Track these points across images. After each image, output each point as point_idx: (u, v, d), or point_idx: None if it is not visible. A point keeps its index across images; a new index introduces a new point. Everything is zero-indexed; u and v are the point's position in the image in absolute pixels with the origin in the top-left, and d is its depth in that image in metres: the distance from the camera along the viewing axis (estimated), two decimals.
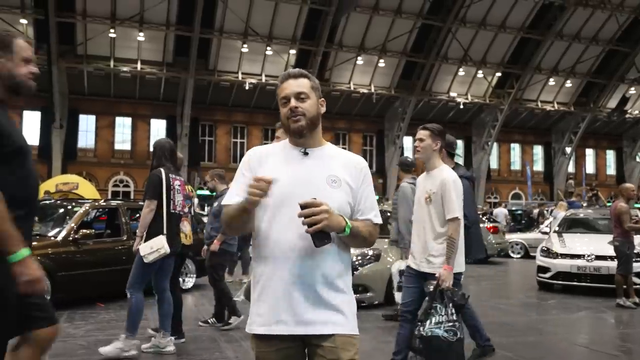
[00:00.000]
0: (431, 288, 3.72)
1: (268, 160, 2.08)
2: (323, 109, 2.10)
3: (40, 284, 2.37)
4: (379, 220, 2.12)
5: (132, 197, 27.02)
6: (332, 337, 1.95)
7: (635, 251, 8.27)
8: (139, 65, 27.96)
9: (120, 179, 29.77)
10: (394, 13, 28.20)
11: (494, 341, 5.80)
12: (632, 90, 34.96)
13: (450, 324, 3.56)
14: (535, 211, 21.45)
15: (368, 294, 7.64)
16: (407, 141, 34.35)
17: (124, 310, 7.01)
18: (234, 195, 2.05)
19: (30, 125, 27.50)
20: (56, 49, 25.67)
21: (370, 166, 34.22)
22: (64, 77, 27.32)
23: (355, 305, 2.07)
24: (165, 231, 4.89)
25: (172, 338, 5.16)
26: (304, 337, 1.96)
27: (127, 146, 31.07)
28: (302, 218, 1.86)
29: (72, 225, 7.25)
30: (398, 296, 6.32)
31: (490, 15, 29.18)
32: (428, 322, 3.59)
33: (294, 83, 2.07)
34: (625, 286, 8.07)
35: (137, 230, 5.16)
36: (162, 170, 5.02)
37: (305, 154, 2.06)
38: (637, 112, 36.47)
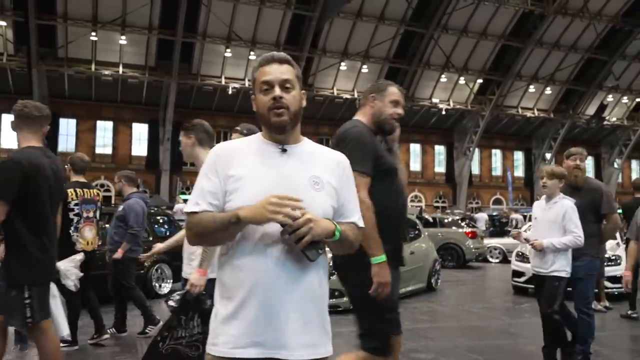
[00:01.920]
0: (172, 303, 3.27)
1: (240, 158, 1.80)
2: (304, 103, 1.87)
3: (388, 288, 2.70)
4: (362, 224, 1.92)
5: (112, 201, 26.81)
6: None
7: (606, 255, 8.42)
8: (120, 69, 27.79)
9: (101, 184, 29.50)
10: (377, 19, 28.40)
11: (466, 344, 5.88)
12: (610, 98, 35.55)
13: (194, 338, 3.12)
14: (514, 216, 21.68)
15: (344, 299, 7.68)
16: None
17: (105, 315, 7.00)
18: (197, 202, 1.77)
19: (8, 129, 27.16)
20: (36, 52, 25.43)
21: None
22: (44, 80, 27.05)
23: (329, 319, 1.86)
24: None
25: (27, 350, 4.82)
26: None
27: (108, 150, 30.84)
28: (286, 236, 1.66)
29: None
30: None
31: (472, 22, 29.52)
32: (168, 338, 3.12)
33: (279, 69, 1.82)
34: (597, 290, 8.20)
35: None
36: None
37: (284, 151, 1.81)
38: (614, 119, 37.07)
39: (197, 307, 3.11)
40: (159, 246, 5.21)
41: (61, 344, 5.18)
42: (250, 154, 1.81)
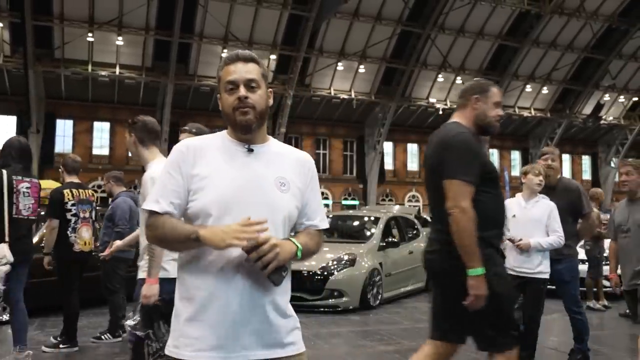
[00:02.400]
0: (129, 323, 3.09)
1: (205, 156, 1.77)
2: (271, 101, 1.85)
3: (482, 302, 2.64)
4: (325, 224, 1.91)
5: (109, 202, 26.73)
6: None
7: (605, 255, 8.44)
8: (117, 70, 27.73)
9: (98, 185, 29.41)
10: (374, 19, 28.39)
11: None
12: (607, 97, 35.63)
13: (156, 355, 2.92)
14: None
15: (343, 299, 7.69)
16: (388, 147, 34.58)
17: (97, 317, 7.00)
18: (158, 199, 1.74)
19: (6, 130, 27.07)
20: (33, 53, 25.34)
21: (351, 171, 34.43)
22: (41, 81, 26.97)
23: (298, 321, 1.84)
24: (7, 238, 4.40)
25: (30, 352, 4.75)
26: None
27: (105, 151, 30.78)
28: (251, 262, 1.63)
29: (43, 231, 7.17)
30: None
31: (469, 22, 29.55)
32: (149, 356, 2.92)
33: (244, 68, 1.79)
34: (595, 289, 8.23)
35: None
36: (4, 171, 4.55)
37: (250, 150, 1.79)
38: (611, 118, 37.16)
39: (159, 314, 2.96)
40: (117, 243, 5.20)
41: (61, 345, 5.18)
42: (215, 153, 1.78)
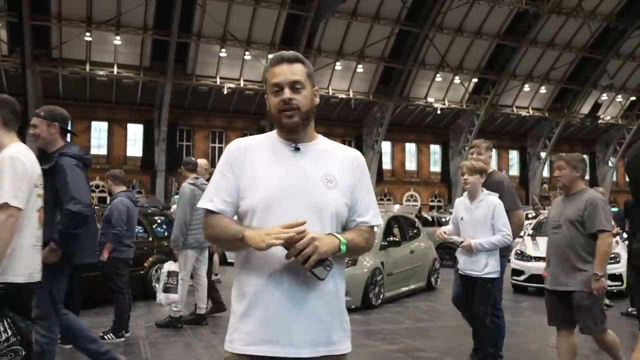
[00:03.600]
0: None
1: (254, 156, 1.81)
2: (317, 100, 1.87)
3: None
4: (377, 221, 1.89)
5: (107, 202, 26.70)
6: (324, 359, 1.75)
7: None
8: (115, 69, 27.69)
9: (96, 185, 29.38)
10: (372, 19, 28.41)
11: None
12: (604, 97, 35.71)
13: (7, 344, 2.77)
14: None
15: (345, 298, 7.68)
16: (386, 146, 34.59)
17: (99, 317, 6.98)
18: (212, 198, 1.80)
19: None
20: (30, 52, 25.30)
21: None
22: (39, 81, 26.91)
23: (348, 321, 1.85)
24: None
25: None
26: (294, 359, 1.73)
27: (103, 151, 30.73)
28: (292, 258, 1.65)
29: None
30: (163, 297, 6.20)
31: (467, 22, 29.59)
32: None
33: (288, 69, 1.81)
34: None
35: None
36: None
37: (297, 149, 1.81)
38: (609, 117, 37.24)
39: (6, 303, 2.79)
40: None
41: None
42: (264, 152, 1.82)
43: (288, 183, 1.74)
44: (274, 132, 1.88)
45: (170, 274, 6.30)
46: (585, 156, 27.87)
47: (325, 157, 1.84)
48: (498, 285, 4.57)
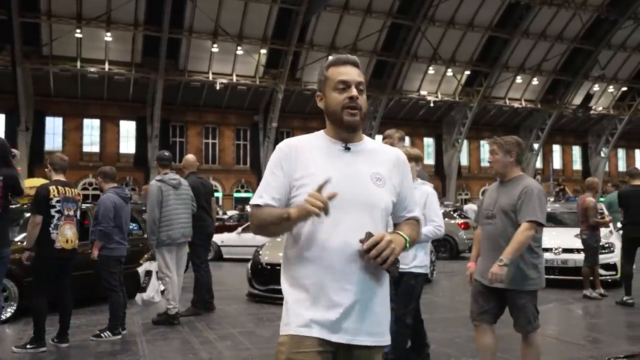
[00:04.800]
0: None
1: (305, 154, 1.90)
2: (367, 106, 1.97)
3: None
4: (421, 215, 2.10)
5: None
6: (370, 350, 1.86)
7: (601, 244, 8.49)
8: (106, 66, 27.52)
9: (89, 182, 29.26)
10: (364, 12, 28.35)
11: (466, 334, 5.88)
12: (596, 87, 35.84)
13: None
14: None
15: None
16: (379, 140, 34.55)
17: (95, 315, 6.95)
18: (261, 195, 1.89)
19: None
20: (20, 50, 25.12)
21: None
22: (29, 79, 26.72)
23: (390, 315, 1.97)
24: None
25: None
26: (342, 346, 1.82)
27: (95, 148, 30.59)
28: (371, 261, 1.76)
29: None
30: (138, 297, 6.14)
31: (459, 14, 29.57)
32: None
33: (355, 71, 1.90)
34: (591, 278, 8.27)
35: None
36: None
37: (347, 149, 1.90)
38: (600, 108, 37.39)
39: None
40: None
41: (28, 346, 5.14)
42: (315, 151, 1.90)
43: (340, 181, 1.81)
44: (322, 132, 1.96)
45: (146, 273, 6.29)
46: (576, 147, 27.77)
47: (373, 157, 1.94)
48: (422, 283, 4.23)
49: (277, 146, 1.95)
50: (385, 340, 1.91)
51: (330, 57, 1.98)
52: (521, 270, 3.58)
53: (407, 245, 1.87)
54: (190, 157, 7.39)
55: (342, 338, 1.80)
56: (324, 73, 1.93)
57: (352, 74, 1.89)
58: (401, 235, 1.86)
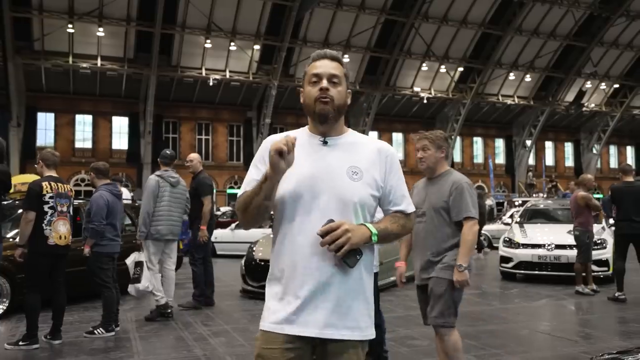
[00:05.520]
0: None
1: None
2: (349, 101, 1.98)
3: None
4: (412, 208, 2.01)
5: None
6: (345, 343, 1.83)
7: (594, 239, 8.54)
8: (99, 62, 27.36)
9: (81, 178, 29.10)
10: (357, 8, 28.30)
11: (460, 330, 5.88)
12: (589, 84, 35.99)
13: None
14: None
15: None
16: (373, 136, 34.58)
17: (88, 312, 6.93)
18: (245, 188, 1.93)
19: None
20: (12, 45, 24.91)
21: None
22: (21, 74, 26.53)
23: (373, 306, 1.94)
24: None
25: None
26: (315, 341, 1.82)
27: (88, 144, 30.43)
28: (326, 246, 1.76)
29: None
30: (131, 289, 6.24)
31: (452, 10, 29.59)
32: None
33: (330, 64, 1.94)
34: (584, 274, 8.33)
35: None
36: None
37: (325, 143, 1.93)
38: (593, 105, 37.56)
39: None
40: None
41: (20, 342, 5.11)
42: (296, 147, 1.91)
43: (314, 175, 1.85)
44: (306, 128, 2.01)
45: (136, 264, 6.36)
46: (569, 144, 27.89)
47: (352, 150, 1.94)
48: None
49: (262, 142, 1.99)
50: (365, 335, 1.87)
51: None
52: (449, 259, 3.50)
53: (375, 238, 1.83)
54: (194, 155, 7.52)
55: (310, 332, 1.80)
56: (305, 70, 1.99)
57: (325, 66, 1.92)
58: (367, 227, 1.83)
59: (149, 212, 6.37)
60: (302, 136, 1.93)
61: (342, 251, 1.75)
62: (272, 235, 2.01)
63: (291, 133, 1.97)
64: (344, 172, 1.87)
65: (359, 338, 1.86)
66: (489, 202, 22.48)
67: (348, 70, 2.00)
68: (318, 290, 1.80)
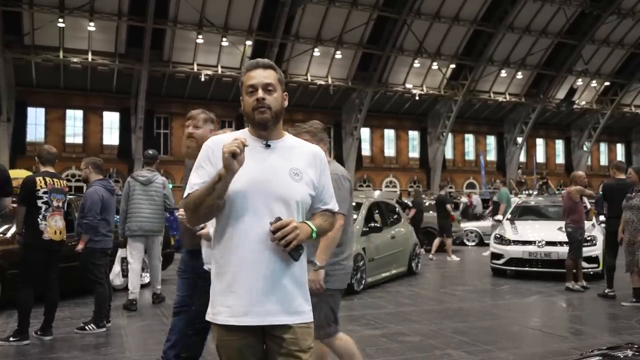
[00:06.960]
0: None
1: None
2: (286, 103, 2.12)
3: None
4: (337, 207, 2.22)
5: (84, 191, 26.24)
6: (292, 328, 1.99)
7: (585, 236, 8.60)
8: (89, 56, 27.13)
9: (72, 174, 28.92)
10: (350, 4, 28.24)
11: (451, 326, 5.93)
12: (580, 82, 36.16)
13: None
14: (464, 199, 22.12)
15: None
16: (365, 132, 34.61)
17: (79, 307, 6.90)
18: (192, 186, 2.01)
19: None
20: (1, 39, 24.66)
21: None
22: (11, 68, 26.26)
23: (309, 294, 2.12)
24: None
25: None
26: (265, 328, 1.98)
27: (79, 140, 30.20)
28: (276, 241, 1.93)
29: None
30: (117, 279, 6.99)
31: (444, 7, 29.61)
32: None
33: (263, 73, 2.07)
34: (574, 270, 8.39)
35: None
36: None
37: (268, 146, 2.07)
38: (584, 102, 37.75)
39: None
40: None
41: (11, 339, 5.09)
42: None
43: (259, 176, 1.99)
44: (246, 130, 2.14)
45: (122, 260, 7.02)
46: (560, 141, 28.03)
47: (292, 153, 2.09)
48: None
49: (205, 143, 2.11)
50: (308, 317, 2.04)
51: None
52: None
53: (314, 235, 2.03)
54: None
55: (258, 320, 1.95)
56: (241, 79, 2.13)
57: (259, 77, 2.06)
58: (309, 225, 2.02)
59: (122, 210, 6.86)
60: (244, 138, 2.00)
61: (291, 246, 1.93)
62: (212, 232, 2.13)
63: (235, 134, 2.11)
64: (286, 173, 2.03)
65: (305, 321, 2.03)
66: (476, 197, 22.57)
67: (282, 75, 2.13)
68: (267, 282, 1.95)
